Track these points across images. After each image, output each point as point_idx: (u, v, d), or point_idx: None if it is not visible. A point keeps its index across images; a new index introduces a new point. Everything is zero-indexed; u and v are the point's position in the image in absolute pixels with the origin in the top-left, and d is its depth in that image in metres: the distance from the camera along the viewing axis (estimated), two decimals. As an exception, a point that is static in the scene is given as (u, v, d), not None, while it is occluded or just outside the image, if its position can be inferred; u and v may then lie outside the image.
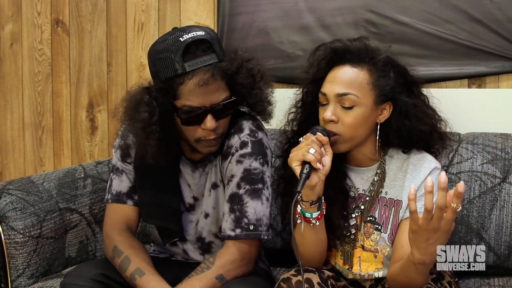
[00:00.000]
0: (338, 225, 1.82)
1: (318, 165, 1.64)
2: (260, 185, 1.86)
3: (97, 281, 1.76)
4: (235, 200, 1.85)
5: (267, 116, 1.94)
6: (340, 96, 1.74)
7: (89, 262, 1.98)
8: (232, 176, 1.87)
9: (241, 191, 1.85)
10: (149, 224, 2.10)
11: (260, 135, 1.89)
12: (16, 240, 2.07)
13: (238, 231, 1.83)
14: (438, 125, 1.87)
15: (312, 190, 1.68)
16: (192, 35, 1.75)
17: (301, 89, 1.93)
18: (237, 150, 1.86)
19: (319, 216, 1.72)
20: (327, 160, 1.69)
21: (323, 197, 1.72)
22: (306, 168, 1.63)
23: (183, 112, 1.78)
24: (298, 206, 1.73)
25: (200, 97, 1.76)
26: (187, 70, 1.73)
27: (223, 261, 1.81)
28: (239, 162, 1.86)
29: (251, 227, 1.83)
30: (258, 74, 1.87)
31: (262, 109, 1.91)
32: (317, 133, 1.70)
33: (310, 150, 1.64)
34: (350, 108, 1.74)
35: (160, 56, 1.76)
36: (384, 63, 1.80)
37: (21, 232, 2.08)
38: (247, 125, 1.89)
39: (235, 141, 1.87)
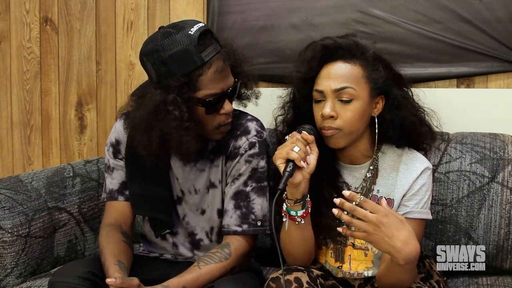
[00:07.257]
0: (331, 226, 1.82)
1: (302, 163, 1.65)
2: (265, 183, 1.93)
3: (85, 279, 1.75)
4: (241, 197, 1.91)
5: (256, 95, 2.00)
6: (338, 91, 1.75)
7: (78, 261, 1.99)
8: (240, 175, 1.92)
9: (248, 189, 1.91)
10: (140, 215, 2.11)
11: (264, 134, 1.96)
12: (4, 239, 2.06)
13: (245, 226, 1.89)
14: (426, 117, 1.92)
15: (296, 188, 1.69)
16: (198, 27, 1.78)
17: (289, 89, 1.94)
18: (246, 151, 1.92)
19: (304, 214, 1.73)
20: (312, 158, 1.70)
21: (308, 196, 1.73)
22: (290, 166, 1.64)
23: (208, 101, 1.80)
24: (284, 204, 1.73)
25: (220, 83, 1.80)
26: (205, 60, 1.76)
27: (238, 254, 1.87)
28: (247, 161, 1.92)
29: (259, 223, 1.90)
30: (241, 54, 1.93)
31: (251, 87, 1.97)
32: (303, 131, 1.71)
33: (294, 148, 1.65)
34: (348, 101, 1.75)
35: (172, 54, 1.74)
36: (373, 57, 1.83)
37: (9, 231, 2.07)
38: (253, 127, 1.95)
39: (243, 142, 1.92)
